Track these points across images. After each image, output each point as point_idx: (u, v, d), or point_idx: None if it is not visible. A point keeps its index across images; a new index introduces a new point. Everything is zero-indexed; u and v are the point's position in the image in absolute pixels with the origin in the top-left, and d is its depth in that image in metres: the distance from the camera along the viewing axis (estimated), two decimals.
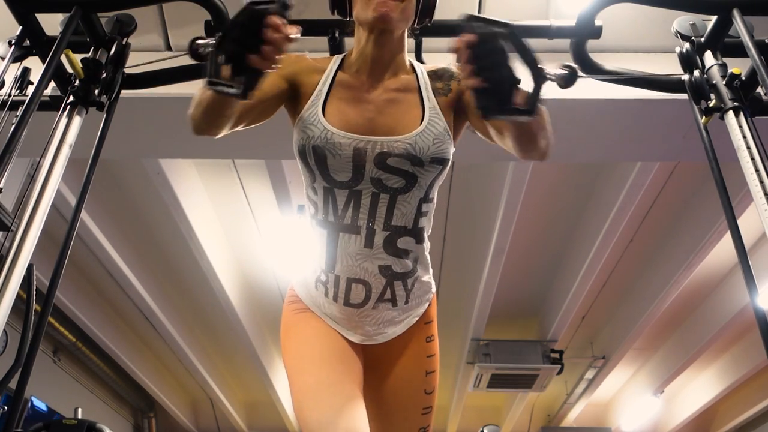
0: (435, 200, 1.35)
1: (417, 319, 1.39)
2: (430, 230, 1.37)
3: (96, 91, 1.78)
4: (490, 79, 0.92)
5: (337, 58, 1.37)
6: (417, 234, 1.32)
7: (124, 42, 1.87)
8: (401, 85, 1.33)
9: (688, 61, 1.83)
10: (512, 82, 0.93)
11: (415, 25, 1.37)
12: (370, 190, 1.26)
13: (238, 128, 1.33)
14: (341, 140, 1.25)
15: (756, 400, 7.56)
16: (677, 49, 1.86)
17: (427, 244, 1.38)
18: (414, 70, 1.37)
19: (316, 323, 1.35)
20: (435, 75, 1.37)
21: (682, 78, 1.81)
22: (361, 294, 1.31)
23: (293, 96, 1.35)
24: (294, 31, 1.00)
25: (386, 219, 1.27)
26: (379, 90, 1.32)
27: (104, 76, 1.81)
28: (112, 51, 1.84)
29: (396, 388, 1.37)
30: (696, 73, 1.78)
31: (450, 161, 1.30)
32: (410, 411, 1.37)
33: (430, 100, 1.31)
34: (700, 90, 1.75)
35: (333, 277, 1.31)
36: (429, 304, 1.42)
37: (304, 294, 1.40)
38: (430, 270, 1.42)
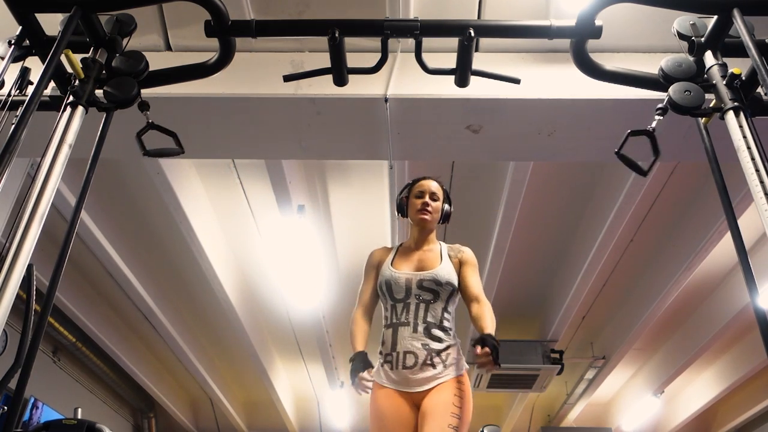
0: (453, 312, 2.39)
1: (450, 379, 2.24)
2: (452, 331, 2.35)
3: (96, 91, 1.78)
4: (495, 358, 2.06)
5: (397, 245, 2.58)
6: (444, 329, 2.32)
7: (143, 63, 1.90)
8: (431, 249, 2.49)
9: (666, 79, 1.84)
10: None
11: (440, 223, 2.55)
12: (415, 301, 2.34)
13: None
14: (398, 276, 2.40)
15: (756, 400, 7.56)
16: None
17: (453, 340, 2.32)
18: (438, 243, 2.53)
19: (384, 404, 2.26)
20: (449, 248, 2.51)
21: (664, 97, 1.82)
22: (411, 360, 2.25)
23: (380, 268, 2.51)
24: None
25: (424, 317, 2.31)
26: (419, 252, 2.48)
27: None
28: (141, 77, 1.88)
29: (433, 403, 2.18)
30: (671, 93, 1.79)
31: (457, 287, 2.39)
32: (440, 415, 2.13)
33: (444, 257, 2.45)
34: (682, 110, 1.77)
35: (395, 354, 2.29)
36: (460, 375, 2.27)
37: (377, 377, 2.30)
38: (463, 358, 2.34)
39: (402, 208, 2.57)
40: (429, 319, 2.29)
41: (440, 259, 2.42)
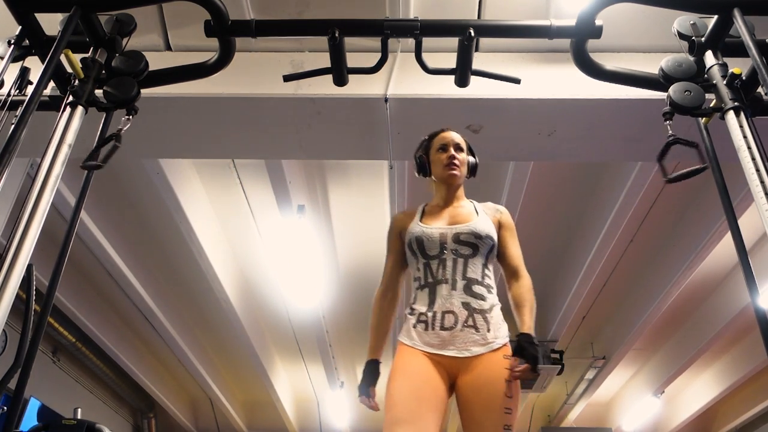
0: (492, 270, 2.13)
1: (494, 350, 1.96)
2: (494, 289, 2.08)
3: (96, 91, 1.78)
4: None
5: (422, 206, 2.27)
6: (485, 285, 2.05)
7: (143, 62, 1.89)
8: (462, 206, 2.22)
9: (666, 79, 1.84)
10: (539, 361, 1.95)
11: (467, 177, 2.28)
12: (451, 257, 2.06)
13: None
14: (431, 231, 2.12)
15: (756, 400, 7.56)
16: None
17: (496, 300, 2.05)
18: (469, 201, 2.27)
19: (413, 367, 1.96)
20: (483, 206, 2.25)
21: (665, 98, 1.82)
22: (451, 320, 1.98)
23: (404, 233, 2.20)
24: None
25: (463, 273, 2.03)
26: (450, 208, 2.21)
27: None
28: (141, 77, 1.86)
29: (482, 394, 1.94)
30: (672, 92, 1.78)
31: (496, 244, 2.13)
32: (494, 410, 1.93)
33: (480, 212, 2.19)
34: (682, 110, 1.76)
35: (431, 313, 2.00)
36: (504, 345, 1.99)
37: (407, 339, 2.03)
38: (506, 324, 2.04)
39: (423, 166, 2.27)
40: (469, 274, 2.02)
41: (476, 213, 2.17)
